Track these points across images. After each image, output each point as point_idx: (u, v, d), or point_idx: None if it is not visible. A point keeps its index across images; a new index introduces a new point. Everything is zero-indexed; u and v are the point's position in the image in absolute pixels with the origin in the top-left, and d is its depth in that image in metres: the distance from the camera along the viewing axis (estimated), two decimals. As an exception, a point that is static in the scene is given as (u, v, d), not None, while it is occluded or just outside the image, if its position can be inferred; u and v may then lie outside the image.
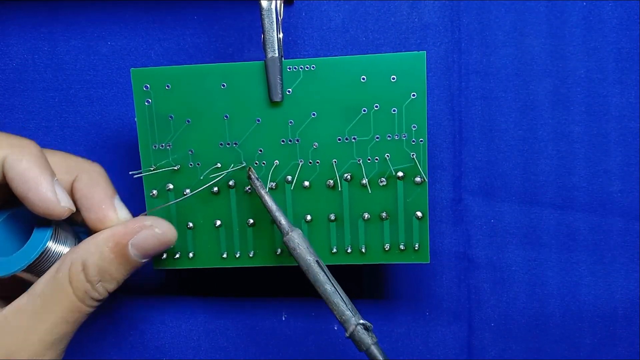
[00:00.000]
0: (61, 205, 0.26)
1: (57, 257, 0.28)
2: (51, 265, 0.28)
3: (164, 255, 0.32)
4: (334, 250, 0.32)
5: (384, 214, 0.31)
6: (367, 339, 0.27)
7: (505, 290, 0.37)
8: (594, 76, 0.35)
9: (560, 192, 0.36)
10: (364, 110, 0.30)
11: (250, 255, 0.32)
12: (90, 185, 0.29)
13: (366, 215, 0.31)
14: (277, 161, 0.31)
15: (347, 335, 0.27)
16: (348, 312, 0.27)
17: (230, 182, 0.31)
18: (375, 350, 0.27)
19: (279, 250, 0.32)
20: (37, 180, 0.26)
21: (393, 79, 0.30)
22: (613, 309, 0.37)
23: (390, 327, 0.38)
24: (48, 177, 0.26)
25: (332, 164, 0.31)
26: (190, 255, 0.32)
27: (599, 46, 0.35)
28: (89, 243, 0.27)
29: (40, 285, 0.27)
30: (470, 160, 0.36)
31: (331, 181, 0.31)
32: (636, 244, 0.36)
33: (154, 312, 0.39)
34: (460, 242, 0.37)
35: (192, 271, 0.35)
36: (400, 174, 0.30)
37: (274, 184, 0.31)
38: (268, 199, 0.29)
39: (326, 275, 0.28)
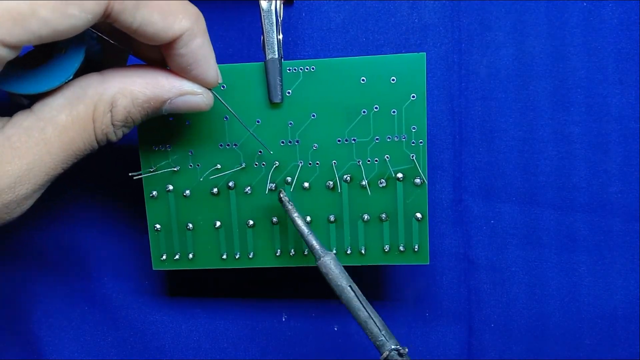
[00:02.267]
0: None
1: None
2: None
3: (164, 257, 0.32)
4: (334, 251, 0.32)
5: (383, 215, 0.31)
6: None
7: (505, 291, 0.37)
8: (594, 77, 0.35)
9: (560, 192, 0.36)
10: (364, 112, 0.30)
11: (250, 257, 0.32)
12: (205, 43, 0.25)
13: (366, 217, 0.31)
14: (277, 162, 0.31)
15: (381, 359, 0.27)
16: (382, 338, 0.27)
17: (230, 184, 0.31)
18: None
19: (279, 252, 0.32)
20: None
21: (393, 80, 0.29)
22: (613, 309, 0.37)
23: (390, 328, 0.38)
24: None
25: (332, 165, 0.31)
26: (190, 256, 0.32)
27: (599, 47, 0.35)
28: (123, 83, 0.24)
29: (54, 110, 0.24)
30: (470, 161, 0.36)
31: (331, 182, 0.31)
32: (636, 245, 0.36)
33: (154, 313, 0.40)
34: (460, 242, 0.37)
35: (192, 272, 0.35)
36: (399, 175, 0.30)
37: (273, 185, 0.31)
38: (300, 222, 0.29)
39: (359, 300, 0.28)
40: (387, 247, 0.31)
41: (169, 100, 0.25)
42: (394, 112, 0.30)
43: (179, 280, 0.39)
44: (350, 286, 0.28)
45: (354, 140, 0.30)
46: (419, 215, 0.31)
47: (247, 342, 0.39)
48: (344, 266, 0.32)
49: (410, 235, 0.31)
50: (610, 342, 0.37)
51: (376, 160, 0.31)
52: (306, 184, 0.31)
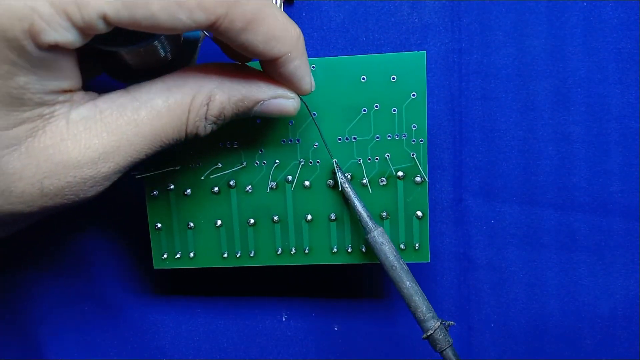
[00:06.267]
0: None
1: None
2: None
3: (165, 255, 0.32)
4: (335, 249, 0.32)
5: (384, 214, 0.31)
6: (447, 338, 0.28)
7: (505, 291, 0.37)
8: (594, 76, 0.35)
9: (561, 192, 0.36)
10: (364, 110, 0.30)
11: (251, 255, 0.32)
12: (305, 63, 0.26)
13: (366, 215, 0.31)
14: (277, 161, 0.31)
15: (426, 335, 0.28)
16: (431, 313, 0.28)
17: (231, 182, 0.31)
18: (450, 352, 0.28)
19: (280, 250, 0.32)
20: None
21: (393, 79, 0.30)
22: (613, 309, 0.37)
23: (390, 327, 0.38)
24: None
25: (333, 163, 0.31)
26: (191, 255, 0.32)
27: (599, 46, 0.35)
28: (222, 79, 0.25)
29: (151, 93, 0.23)
30: (471, 161, 0.36)
31: (331, 181, 0.31)
32: (636, 245, 0.36)
33: (155, 312, 0.40)
34: (460, 242, 0.37)
35: (193, 271, 0.35)
36: (400, 173, 0.30)
37: (274, 184, 0.31)
38: (352, 195, 0.29)
39: (409, 273, 0.28)
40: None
41: (262, 102, 0.25)
42: (394, 110, 0.30)
43: (180, 279, 0.39)
44: (398, 262, 0.28)
45: (354, 138, 0.30)
46: (419, 213, 0.31)
47: (247, 342, 0.39)
48: (344, 265, 0.32)
49: (411, 234, 0.31)
50: (610, 342, 0.37)
51: (377, 159, 0.31)
52: (307, 183, 0.31)
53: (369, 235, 0.29)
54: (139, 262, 0.39)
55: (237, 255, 0.32)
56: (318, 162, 0.31)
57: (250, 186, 0.31)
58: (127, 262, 0.39)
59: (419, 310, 0.28)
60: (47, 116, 0.21)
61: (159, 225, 0.32)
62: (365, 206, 0.29)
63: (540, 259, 0.37)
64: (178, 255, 0.32)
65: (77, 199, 0.23)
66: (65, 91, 0.22)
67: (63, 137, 0.22)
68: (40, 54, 0.19)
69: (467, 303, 0.38)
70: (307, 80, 0.26)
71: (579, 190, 0.36)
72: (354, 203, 0.29)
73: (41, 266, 0.39)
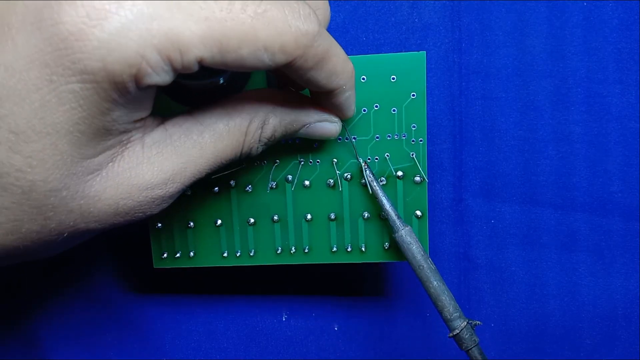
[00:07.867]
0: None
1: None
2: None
3: (165, 255, 0.32)
4: (334, 249, 0.32)
5: (384, 213, 0.31)
6: (474, 337, 0.28)
7: (505, 291, 0.37)
8: (595, 76, 0.35)
9: (561, 192, 0.36)
10: (364, 110, 0.30)
11: (251, 255, 0.32)
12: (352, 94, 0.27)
13: (366, 214, 0.31)
14: (277, 161, 0.31)
15: (453, 334, 0.28)
16: (458, 312, 0.28)
17: (231, 182, 0.31)
18: (476, 351, 0.28)
19: (279, 249, 0.32)
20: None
21: (393, 79, 0.30)
22: (613, 309, 0.37)
23: (391, 327, 0.38)
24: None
25: (332, 163, 0.31)
26: (191, 254, 0.32)
27: (599, 46, 0.35)
28: (275, 103, 0.26)
29: (213, 117, 0.25)
30: (471, 161, 0.36)
31: (331, 180, 0.31)
32: (636, 245, 0.36)
33: (154, 312, 0.40)
34: (461, 242, 0.37)
35: (193, 270, 0.35)
36: (400, 173, 0.31)
37: (274, 184, 0.31)
38: (381, 194, 0.30)
39: (437, 272, 0.29)
40: (386, 245, 0.31)
41: (308, 125, 0.27)
42: (394, 110, 0.30)
43: (180, 278, 0.39)
44: (426, 261, 0.29)
45: (354, 138, 0.30)
46: (418, 212, 0.31)
47: (247, 341, 0.39)
48: (343, 264, 0.32)
49: (411, 233, 0.31)
50: (610, 342, 0.37)
51: (376, 159, 0.31)
52: (307, 182, 0.31)
53: (396, 234, 0.29)
54: (139, 262, 0.39)
55: (237, 255, 0.32)
56: (318, 161, 0.31)
57: (250, 186, 0.31)
58: (127, 262, 0.39)
59: (446, 309, 0.28)
60: (125, 142, 0.23)
61: (159, 224, 0.32)
62: (393, 205, 0.29)
63: (540, 259, 0.37)
64: (178, 255, 0.32)
65: (144, 216, 0.24)
66: (142, 119, 0.23)
67: (139, 160, 0.23)
68: (138, 93, 0.21)
69: (467, 303, 0.38)
70: (352, 108, 0.28)
71: (579, 190, 0.36)
72: (382, 202, 0.29)
73: (40, 266, 0.39)
